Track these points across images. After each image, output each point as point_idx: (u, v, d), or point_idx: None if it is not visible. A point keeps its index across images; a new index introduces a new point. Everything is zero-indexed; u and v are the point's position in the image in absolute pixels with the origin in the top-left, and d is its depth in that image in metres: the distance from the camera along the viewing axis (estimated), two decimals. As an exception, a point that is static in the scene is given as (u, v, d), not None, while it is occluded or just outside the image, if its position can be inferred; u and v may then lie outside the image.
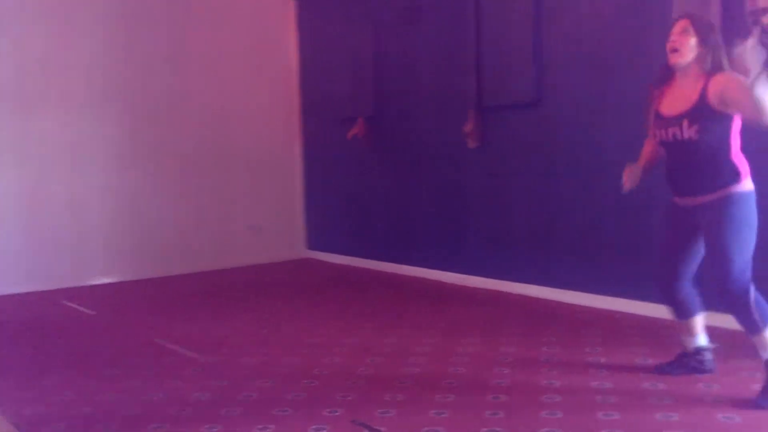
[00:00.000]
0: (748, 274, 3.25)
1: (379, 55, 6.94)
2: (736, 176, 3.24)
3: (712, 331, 3.79)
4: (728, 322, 4.39)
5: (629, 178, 3.53)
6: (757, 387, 3.36)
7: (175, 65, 7.22)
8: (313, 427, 3.17)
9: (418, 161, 6.66)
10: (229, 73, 7.53)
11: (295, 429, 3.17)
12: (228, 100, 7.53)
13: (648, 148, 3.61)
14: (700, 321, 3.63)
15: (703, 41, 3.25)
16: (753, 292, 3.23)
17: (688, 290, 3.56)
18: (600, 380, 3.63)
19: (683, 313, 3.61)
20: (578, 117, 5.25)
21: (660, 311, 4.68)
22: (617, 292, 5.06)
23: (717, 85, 3.18)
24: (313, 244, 8.07)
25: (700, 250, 3.47)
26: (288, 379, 3.84)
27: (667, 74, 3.41)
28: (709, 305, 3.72)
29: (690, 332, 3.63)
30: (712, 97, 3.18)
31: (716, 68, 3.24)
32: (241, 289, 6.54)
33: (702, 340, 3.65)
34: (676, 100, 3.33)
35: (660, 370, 3.69)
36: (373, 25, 6.94)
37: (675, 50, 3.28)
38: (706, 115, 3.20)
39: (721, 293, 3.27)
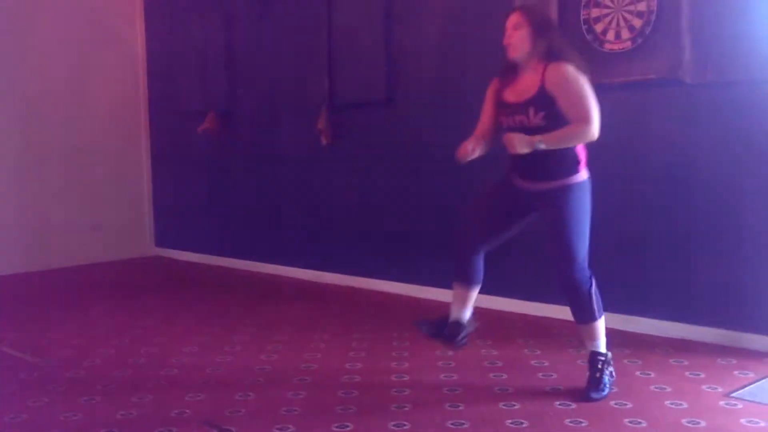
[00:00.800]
0: (587, 263, 3.37)
1: (231, 48, 6.82)
2: (576, 165, 3.36)
3: (546, 322, 4.00)
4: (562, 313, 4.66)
5: (467, 147, 3.44)
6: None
7: (11, 54, 6.78)
8: (160, 429, 3.08)
9: (271, 157, 6.61)
10: (69, 62, 7.14)
11: (141, 432, 3.08)
12: (69, 92, 7.14)
13: (478, 133, 3.55)
14: (474, 295, 3.66)
15: (536, 32, 3.33)
16: (593, 282, 3.38)
17: (481, 261, 3.60)
18: (448, 372, 3.75)
19: (468, 278, 3.60)
20: (429, 114, 5.38)
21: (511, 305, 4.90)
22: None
23: (551, 77, 3.27)
24: (162, 241, 7.84)
25: (513, 231, 3.58)
26: (132, 383, 3.72)
27: (509, 67, 3.46)
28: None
29: (462, 301, 3.63)
30: (549, 86, 3.27)
31: (554, 56, 3.31)
32: (84, 289, 6.25)
33: (466, 315, 3.66)
34: (520, 89, 3.38)
35: (418, 324, 3.73)
36: (224, 17, 6.80)
37: (509, 45, 3.38)
38: (549, 103, 3.27)
39: (565, 282, 3.37)
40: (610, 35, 4.38)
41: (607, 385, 3.38)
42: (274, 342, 4.38)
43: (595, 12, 4.43)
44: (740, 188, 4.03)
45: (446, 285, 5.19)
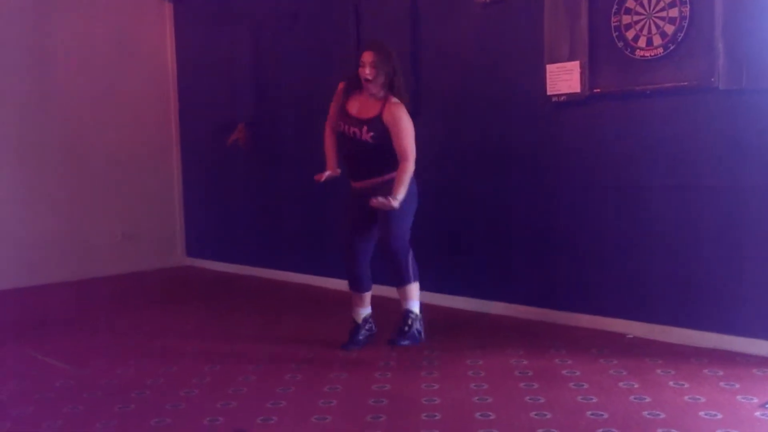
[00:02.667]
0: (407, 238, 4.19)
1: (259, 60, 6.88)
2: (395, 164, 4.12)
3: (576, 332, 3.96)
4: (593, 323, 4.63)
5: (327, 176, 4.35)
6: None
7: (42, 65, 6.89)
8: (193, 437, 3.12)
9: (301, 167, 6.63)
10: (102, 75, 7.24)
11: (173, 440, 3.11)
12: (101, 103, 7.24)
13: (328, 140, 4.44)
14: (369, 294, 4.45)
15: (382, 69, 4.09)
16: (411, 254, 4.20)
17: (367, 267, 4.39)
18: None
19: (361, 286, 4.41)
20: (453, 124, 5.37)
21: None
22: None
23: (389, 115, 4.12)
24: (193, 251, 7.91)
25: (375, 233, 4.29)
26: (165, 390, 3.75)
27: (359, 85, 4.21)
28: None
29: (363, 304, 4.44)
30: (385, 119, 4.11)
31: (392, 89, 4.16)
32: (117, 298, 6.32)
33: (368, 310, 4.49)
34: (362, 106, 4.21)
35: (346, 347, 4.36)
36: (252, 29, 6.87)
37: (368, 80, 4.12)
38: (381, 128, 4.12)
39: (386, 248, 4.16)
40: (642, 42, 4.35)
41: (416, 338, 4.19)
42: (305, 350, 4.39)
43: (626, 19, 4.41)
44: (775, 195, 3.97)
45: (478, 295, 5.25)
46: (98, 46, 7.22)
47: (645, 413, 3.24)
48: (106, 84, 7.28)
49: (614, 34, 4.46)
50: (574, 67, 4.63)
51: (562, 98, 4.71)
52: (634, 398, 3.43)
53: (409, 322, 4.20)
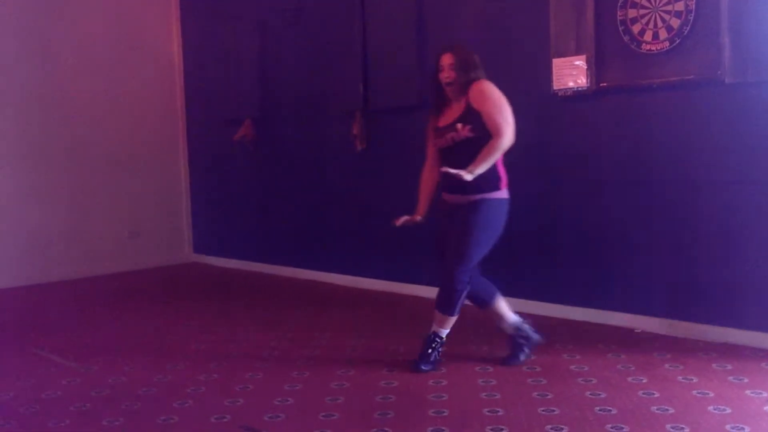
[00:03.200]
0: (470, 272, 3.75)
1: (265, 55, 6.88)
2: (496, 183, 3.75)
3: (584, 327, 3.96)
4: (601, 317, 4.62)
5: (404, 220, 3.96)
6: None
7: (47, 63, 6.90)
8: (201, 434, 3.12)
9: (307, 162, 6.64)
10: (107, 72, 7.25)
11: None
12: (106, 101, 7.25)
13: (425, 176, 4.06)
14: (502, 304, 3.98)
15: (464, 70, 3.78)
16: (467, 289, 3.77)
17: (477, 281, 3.88)
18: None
19: (481, 303, 3.97)
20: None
21: (541, 309, 4.86)
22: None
23: (474, 95, 3.74)
24: (201, 247, 7.91)
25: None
26: (172, 388, 3.76)
27: (442, 100, 3.91)
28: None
29: (500, 317, 3.98)
30: (473, 103, 3.73)
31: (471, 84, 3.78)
32: (123, 295, 6.33)
33: (513, 317, 4.00)
34: (449, 114, 3.85)
35: (505, 363, 3.94)
36: (258, 25, 6.87)
37: (450, 84, 3.81)
38: (475, 117, 3.71)
39: (447, 279, 3.75)
40: (648, 36, 4.33)
41: (432, 362, 3.86)
42: (313, 347, 4.39)
43: (632, 13, 4.39)
44: (783, 189, 3.95)
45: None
46: (103, 42, 7.22)
47: (653, 408, 3.23)
48: (112, 81, 7.28)
49: (620, 28, 4.44)
50: (581, 61, 4.61)
51: (569, 93, 4.70)
52: (643, 393, 3.42)
53: (433, 345, 3.87)
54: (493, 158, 3.64)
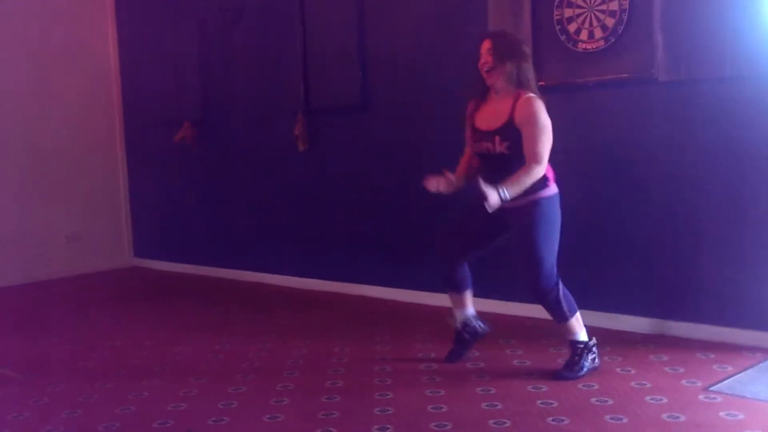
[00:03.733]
0: (555, 270, 3.58)
1: (205, 56, 6.80)
2: (544, 182, 3.56)
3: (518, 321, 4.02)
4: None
5: (439, 182, 3.68)
6: (561, 361, 3.73)
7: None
8: (143, 440, 3.08)
9: (248, 164, 6.60)
10: (40, 73, 7.05)
11: (123, 444, 3.06)
12: (39, 103, 7.05)
13: (465, 158, 3.89)
14: (469, 296, 3.95)
15: (507, 60, 3.53)
16: (561, 287, 3.58)
17: (466, 270, 3.89)
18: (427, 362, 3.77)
19: (458, 286, 3.90)
20: (404, 119, 5.39)
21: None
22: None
23: (521, 112, 3.49)
24: (142, 251, 7.79)
25: (491, 245, 3.84)
26: (113, 395, 3.69)
27: (483, 89, 3.67)
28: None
29: (461, 304, 3.94)
30: (518, 120, 3.50)
31: (521, 85, 3.56)
32: (59, 303, 6.20)
33: (470, 311, 3.98)
34: (489, 116, 3.62)
35: (449, 360, 3.95)
36: (198, 24, 6.78)
37: (488, 72, 3.58)
38: (515, 134, 3.50)
39: (533, 291, 3.60)
40: (584, 35, 4.42)
41: (585, 368, 3.61)
42: (258, 350, 4.36)
43: (567, 12, 4.47)
44: (708, 183, 4.07)
45: (429, 288, 5.27)
46: (36, 42, 7.04)
47: (593, 400, 3.30)
48: (45, 82, 7.10)
49: (557, 27, 4.52)
50: (519, 60, 4.67)
51: (507, 91, 4.75)
52: (583, 386, 3.49)
53: (578, 351, 3.64)
54: (526, 185, 3.44)
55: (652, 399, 3.29)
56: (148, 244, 7.71)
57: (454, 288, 3.92)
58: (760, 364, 3.67)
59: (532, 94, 3.54)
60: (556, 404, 3.27)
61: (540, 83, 4.55)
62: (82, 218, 7.40)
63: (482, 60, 3.59)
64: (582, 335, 3.65)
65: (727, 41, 3.91)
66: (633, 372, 3.65)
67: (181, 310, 5.58)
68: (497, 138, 3.53)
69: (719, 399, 3.25)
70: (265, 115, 6.39)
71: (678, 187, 4.18)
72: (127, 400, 3.57)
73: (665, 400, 3.26)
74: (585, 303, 4.53)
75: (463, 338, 3.99)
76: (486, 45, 3.59)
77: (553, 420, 3.10)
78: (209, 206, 7.00)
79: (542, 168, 3.48)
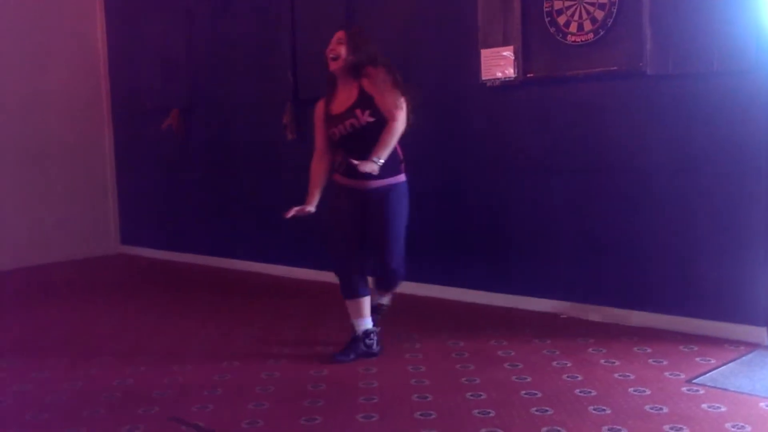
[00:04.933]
0: (403, 254, 3.84)
1: (192, 44, 6.76)
2: (399, 164, 3.79)
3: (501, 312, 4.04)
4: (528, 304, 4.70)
5: (295, 211, 3.77)
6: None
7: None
8: (127, 427, 3.07)
9: (237, 152, 6.57)
10: (30, 58, 7.01)
11: (109, 429, 3.05)
12: (29, 89, 7.01)
13: (319, 167, 3.89)
14: (368, 303, 3.92)
15: (356, 50, 3.71)
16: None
17: (361, 271, 3.88)
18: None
19: (354, 292, 3.86)
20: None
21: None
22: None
23: (367, 81, 3.70)
24: (128, 238, 7.76)
25: (369, 232, 3.86)
26: (99, 380, 3.69)
27: (332, 81, 3.83)
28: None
29: (360, 314, 3.89)
30: (368, 88, 3.70)
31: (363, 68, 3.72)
32: (43, 289, 6.17)
33: (369, 323, 3.93)
34: (343, 100, 3.77)
35: (333, 360, 3.85)
36: (185, 12, 6.74)
37: (334, 58, 3.74)
38: (370, 101, 3.68)
39: (385, 272, 3.85)
40: (573, 27, 4.42)
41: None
42: (243, 337, 4.36)
43: (557, 4, 4.47)
44: (697, 177, 4.09)
45: (423, 279, 5.28)
46: (24, 29, 6.98)
47: (577, 391, 3.32)
48: (34, 69, 7.05)
49: (546, 20, 4.52)
50: (508, 52, 4.67)
51: (497, 83, 4.76)
52: (567, 377, 3.51)
53: (382, 314, 4.14)
54: (393, 143, 3.62)
55: (635, 390, 3.31)
56: (134, 231, 7.68)
57: (354, 296, 3.87)
58: (743, 357, 3.70)
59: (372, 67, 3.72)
60: (539, 395, 3.29)
61: (529, 75, 4.61)
62: (69, 205, 7.36)
63: (331, 47, 3.75)
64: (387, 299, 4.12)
65: (715, 36, 3.93)
66: (617, 364, 3.67)
67: (166, 297, 5.56)
68: (358, 111, 3.69)
69: (702, 391, 3.28)
70: (253, 104, 6.36)
71: (666, 180, 4.19)
72: (112, 387, 3.57)
73: (648, 392, 3.28)
74: (570, 296, 4.58)
75: (358, 345, 3.90)
76: (337, 35, 3.76)
77: (537, 410, 3.11)
78: (196, 194, 6.98)
79: (402, 122, 3.62)
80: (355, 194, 3.78)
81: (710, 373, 3.49)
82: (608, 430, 2.90)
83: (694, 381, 3.40)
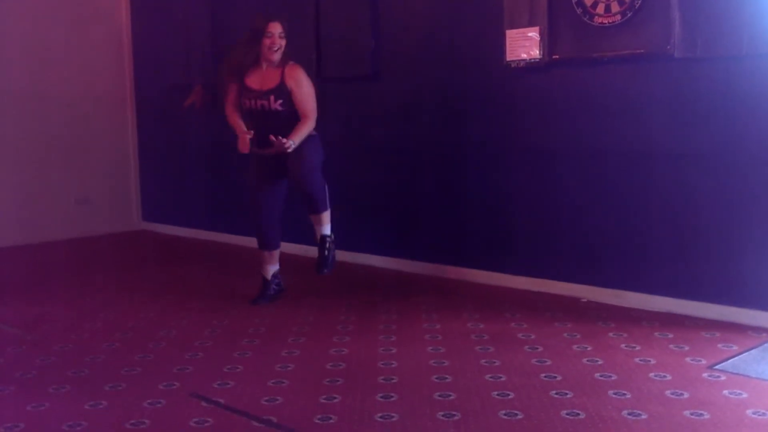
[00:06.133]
0: (320, 170, 4.40)
1: (216, 20, 6.75)
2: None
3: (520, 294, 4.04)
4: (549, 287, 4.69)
5: (246, 143, 4.36)
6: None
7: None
8: (149, 401, 3.10)
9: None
10: (53, 36, 7.01)
11: (129, 404, 3.09)
12: (51, 66, 7.02)
13: (231, 111, 4.53)
14: (277, 254, 4.67)
15: (286, 39, 4.35)
16: (324, 183, 4.40)
17: (276, 225, 4.61)
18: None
19: (270, 245, 4.62)
20: (415, 89, 5.36)
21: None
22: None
23: (291, 79, 4.34)
24: (150, 215, 7.80)
25: (283, 192, 4.58)
26: (120, 355, 3.73)
27: (254, 59, 4.38)
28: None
29: (272, 261, 4.66)
30: (288, 83, 4.33)
31: (288, 58, 4.40)
32: (67, 264, 6.23)
33: (276, 267, 4.70)
34: (262, 79, 4.38)
35: (255, 301, 4.61)
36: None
37: (277, 50, 4.33)
38: (286, 94, 4.33)
39: (298, 181, 4.32)
40: (600, 8, 4.36)
41: (333, 263, 4.56)
42: (263, 315, 4.38)
43: (584, -15, 4.41)
44: (725, 162, 4.04)
45: (432, 259, 5.29)
46: (50, 5, 7.00)
47: (597, 375, 3.31)
48: (57, 46, 7.07)
49: (573, 1, 4.46)
50: (534, 33, 4.63)
51: (521, 64, 4.72)
52: (587, 361, 3.50)
53: (328, 246, 4.51)
54: (305, 133, 4.28)
55: (656, 375, 3.29)
56: (156, 208, 7.72)
57: (267, 246, 4.61)
58: (765, 344, 3.67)
59: (294, 63, 4.41)
60: (559, 378, 3.28)
61: (554, 57, 4.57)
62: (92, 181, 7.40)
63: (276, 42, 4.30)
64: (329, 230, 4.50)
65: (744, 18, 3.86)
66: (638, 348, 3.66)
67: (187, 275, 5.60)
68: (272, 97, 4.32)
69: (723, 377, 3.26)
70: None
71: (695, 165, 4.15)
72: (133, 362, 3.60)
73: (669, 377, 3.27)
74: (591, 279, 4.56)
75: (272, 289, 4.67)
76: (276, 28, 4.31)
77: (556, 393, 3.11)
78: (218, 171, 6.99)
79: (313, 121, 4.34)
80: (266, 160, 4.41)
81: (732, 360, 3.47)
82: (628, 414, 2.90)
83: (715, 367, 3.38)
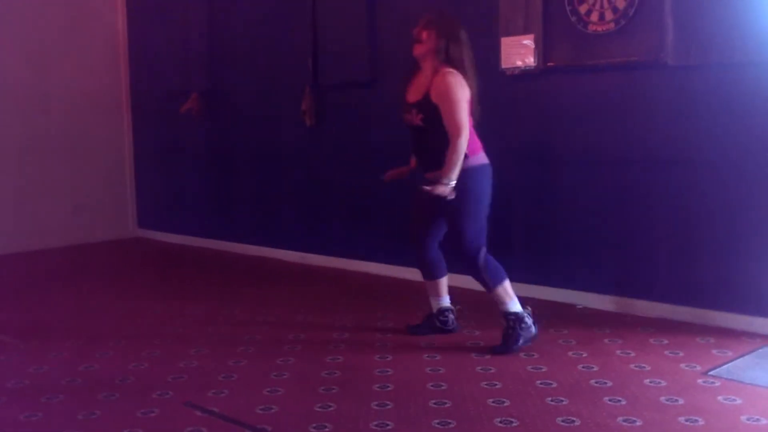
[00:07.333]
0: (480, 241, 3.73)
1: (213, 27, 6.76)
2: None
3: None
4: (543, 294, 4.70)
5: (393, 174, 4.05)
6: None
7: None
8: (142, 410, 3.10)
9: (254, 137, 6.58)
10: (49, 41, 7.03)
11: (123, 413, 3.08)
12: (48, 72, 7.04)
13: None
14: (444, 283, 4.05)
15: (440, 35, 3.65)
16: (483, 258, 3.72)
17: (435, 253, 3.99)
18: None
19: (430, 274, 4.03)
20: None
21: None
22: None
23: (436, 90, 3.64)
24: (146, 222, 7.79)
25: (439, 221, 3.89)
26: (114, 363, 3.72)
27: (414, 64, 3.81)
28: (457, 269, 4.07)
29: (436, 293, 4.05)
30: (434, 95, 3.64)
31: (450, 62, 3.66)
32: (63, 271, 6.22)
33: (446, 301, 4.08)
34: (415, 89, 3.77)
35: (411, 331, 4.08)
36: (207, -3, 6.76)
37: (417, 42, 3.71)
38: (431, 108, 3.65)
39: (456, 258, 3.80)
40: (594, 16, 4.38)
41: (521, 340, 3.73)
42: (259, 323, 4.38)
43: (578, -7, 4.43)
44: (719, 169, 4.05)
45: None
46: (44, 11, 7.01)
47: (592, 382, 3.31)
48: (52, 52, 7.08)
49: (568, 8, 4.48)
50: (529, 40, 4.64)
51: (517, 71, 4.73)
52: (582, 367, 3.50)
53: (510, 324, 3.75)
54: (458, 159, 3.57)
55: (651, 382, 3.29)
56: (152, 215, 7.72)
57: (428, 275, 4.04)
58: (760, 350, 3.68)
59: (450, 69, 3.64)
60: (555, 384, 3.28)
61: (549, 64, 4.57)
62: (87, 189, 7.39)
63: (414, 46, 3.72)
64: (511, 306, 3.75)
65: (737, 26, 3.88)
66: (633, 355, 3.66)
67: (183, 282, 5.60)
68: (414, 110, 3.71)
69: (718, 383, 3.26)
70: (272, 89, 6.36)
71: (686, 173, 4.16)
72: (127, 371, 3.60)
73: (664, 383, 3.27)
74: (587, 286, 4.56)
75: (433, 324, 4.08)
76: (418, 31, 3.72)
77: (551, 400, 3.11)
78: (214, 179, 7.00)
79: (464, 139, 3.58)
80: (423, 182, 3.73)
81: (726, 366, 3.47)
82: (623, 420, 2.90)
83: (710, 373, 3.38)
